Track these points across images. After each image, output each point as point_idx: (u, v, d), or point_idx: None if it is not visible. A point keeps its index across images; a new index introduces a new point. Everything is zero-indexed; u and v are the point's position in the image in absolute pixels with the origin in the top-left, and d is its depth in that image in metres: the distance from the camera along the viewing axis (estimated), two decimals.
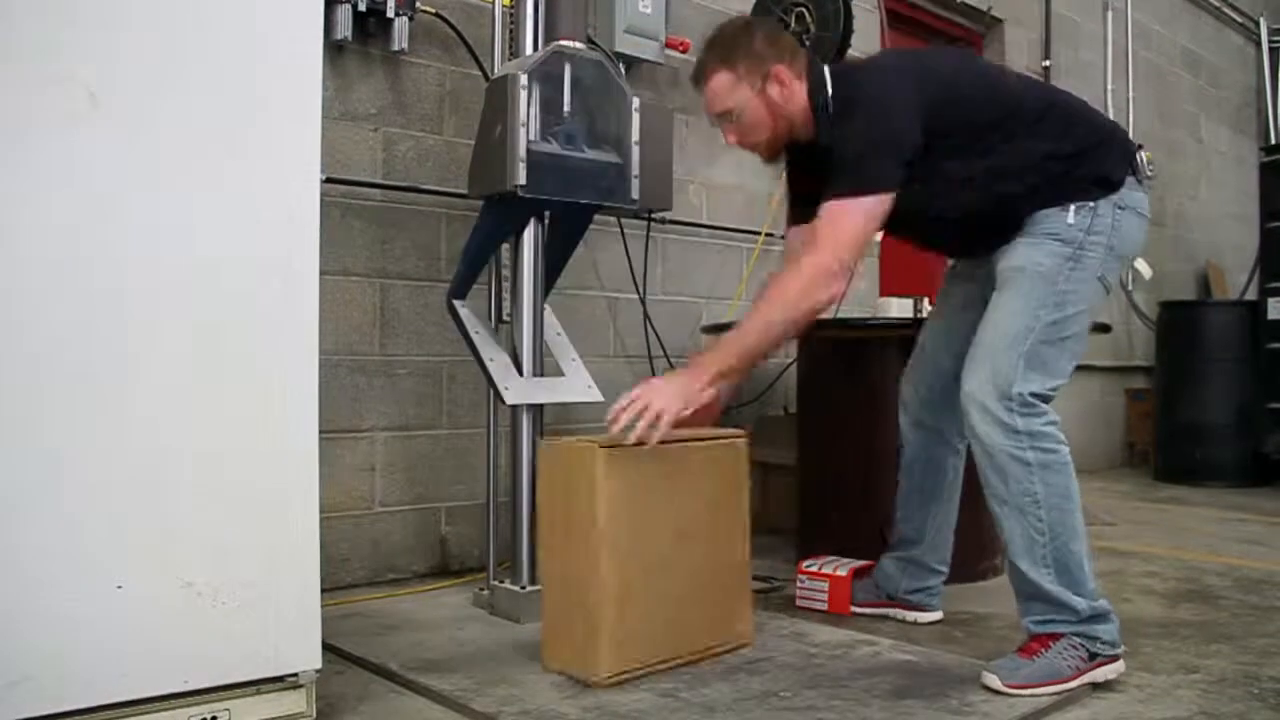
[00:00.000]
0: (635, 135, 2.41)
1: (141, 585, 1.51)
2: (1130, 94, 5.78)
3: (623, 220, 3.22)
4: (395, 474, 2.86)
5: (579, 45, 2.38)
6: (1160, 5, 6.22)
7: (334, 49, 2.69)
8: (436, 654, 2.12)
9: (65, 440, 1.46)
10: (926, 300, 3.22)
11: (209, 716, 1.58)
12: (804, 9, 3.55)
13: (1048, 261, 1.96)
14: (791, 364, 3.51)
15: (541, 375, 2.45)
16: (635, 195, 2.43)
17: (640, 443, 1.86)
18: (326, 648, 1.78)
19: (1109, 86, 5.68)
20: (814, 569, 2.54)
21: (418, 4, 2.78)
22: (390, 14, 2.72)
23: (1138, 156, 2.05)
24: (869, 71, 2.08)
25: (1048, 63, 5.26)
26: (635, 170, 2.42)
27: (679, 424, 1.91)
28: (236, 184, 1.60)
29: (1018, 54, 5.17)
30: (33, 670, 1.43)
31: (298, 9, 1.66)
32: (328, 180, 2.54)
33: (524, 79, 2.24)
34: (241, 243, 1.60)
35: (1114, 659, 1.96)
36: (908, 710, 1.81)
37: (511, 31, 2.54)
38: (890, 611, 2.45)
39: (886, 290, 4.06)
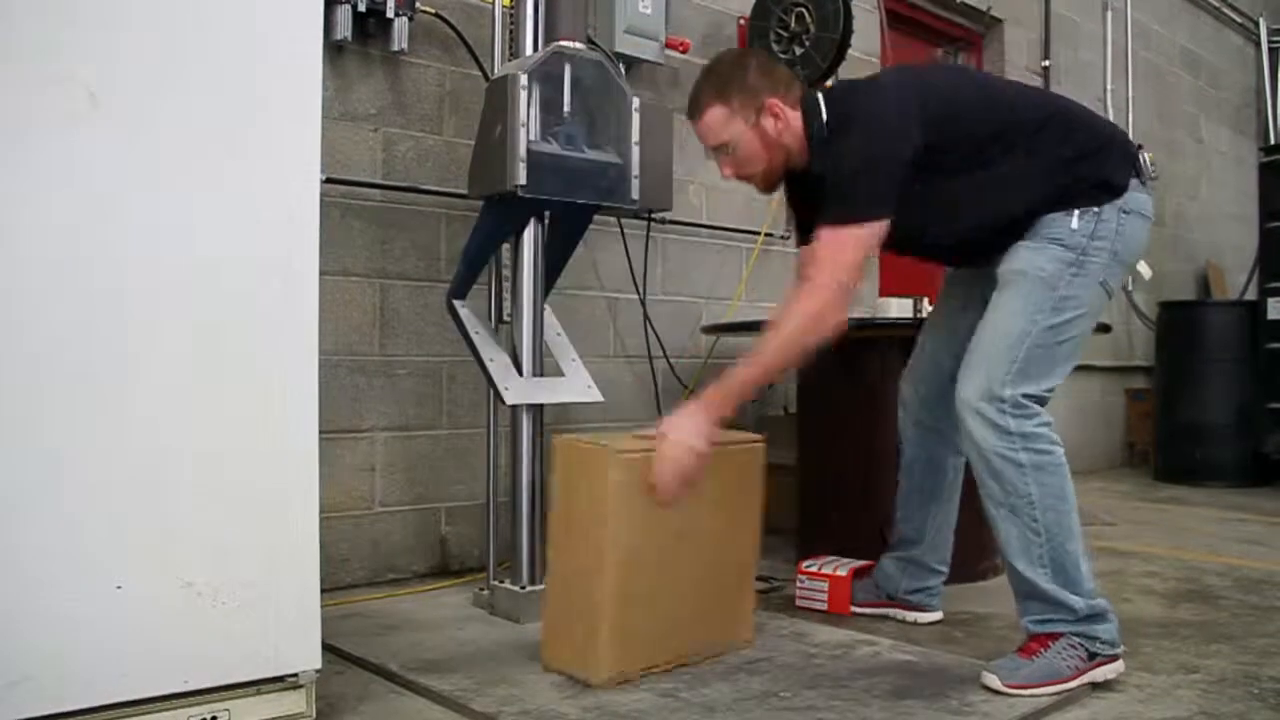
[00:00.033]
0: (635, 135, 2.41)
1: (141, 585, 1.51)
2: (1130, 94, 5.78)
3: (623, 220, 3.22)
4: (395, 474, 2.86)
5: (579, 45, 2.38)
6: (1160, 5, 6.22)
7: (334, 49, 2.69)
8: (436, 654, 2.12)
9: (65, 440, 1.46)
10: (926, 300, 3.22)
11: (209, 716, 1.58)
12: (804, 9, 3.55)
13: (1049, 266, 1.96)
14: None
15: (541, 375, 2.45)
16: (635, 195, 2.43)
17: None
18: (326, 648, 1.78)
19: (1109, 87, 5.68)
20: (814, 569, 2.54)
21: (418, 4, 2.78)
22: (390, 14, 2.72)
23: (1140, 158, 2.04)
24: (866, 91, 2.06)
25: (1047, 63, 5.27)
26: (635, 170, 2.42)
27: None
28: (236, 184, 1.60)
29: (1017, 54, 5.18)
30: (33, 670, 1.43)
31: (298, 9, 1.66)
32: (328, 180, 2.54)
33: (524, 79, 2.24)
34: (241, 243, 1.60)
35: (1113, 658, 1.96)
36: (908, 710, 1.81)
37: (511, 31, 2.54)
38: (890, 611, 2.45)
39: (886, 290, 4.06)
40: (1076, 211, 1.96)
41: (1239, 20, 6.98)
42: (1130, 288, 5.69)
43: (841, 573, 2.50)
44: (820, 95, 2.07)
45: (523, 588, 2.39)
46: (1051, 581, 1.93)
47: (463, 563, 2.95)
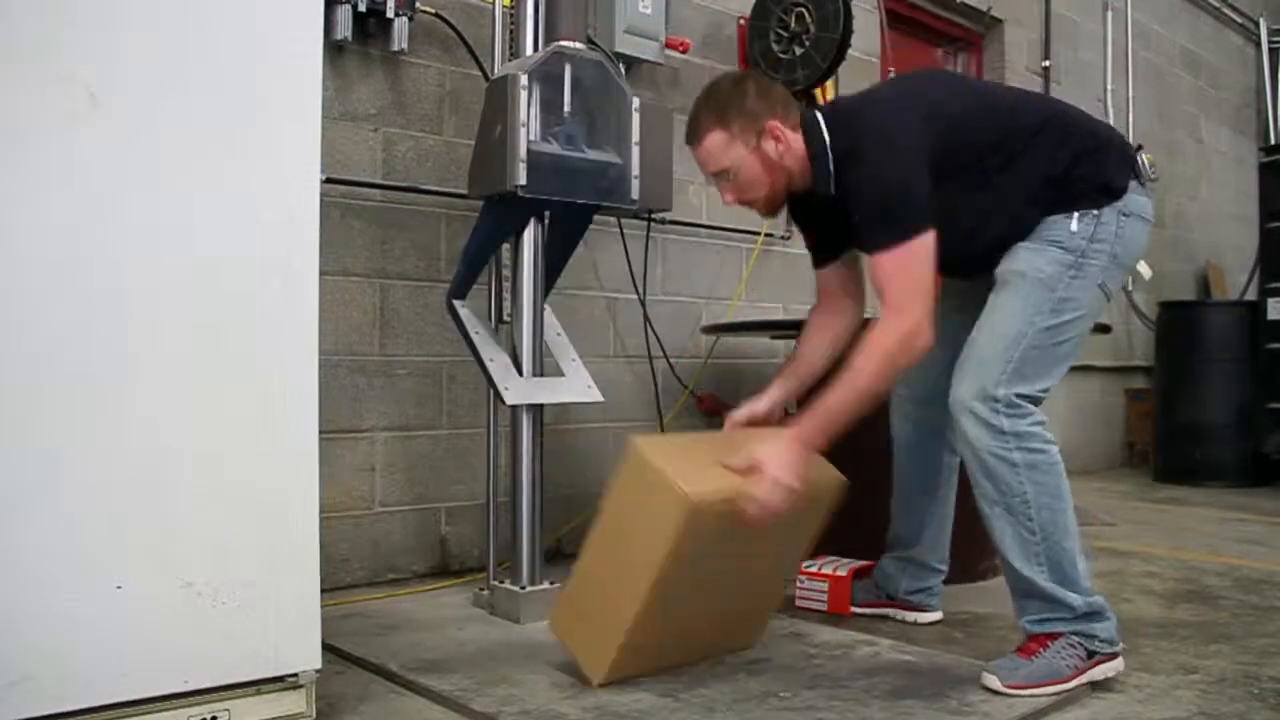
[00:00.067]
0: (635, 135, 2.41)
1: (141, 585, 1.51)
2: (1130, 94, 5.78)
3: (623, 220, 3.22)
4: (395, 474, 2.86)
5: (579, 45, 2.38)
6: (1160, 5, 6.23)
7: (334, 49, 2.69)
8: (436, 654, 2.12)
9: (65, 440, 1.46)
10: None
11: (209, 716, 1.58)
12: (804, 9, 3.56)
13: (1049, 268, 1.95)
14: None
15: (541, 375, 2.45)
16: (635, 195, 2.43)
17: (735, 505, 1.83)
18: (326, 648, 1.78)
19: (1109, 86, 5.69)
20: (814, 569, 2.54)
21: (418, 4, 2.78)
22: (390, 14, 2.72)
23: (1139, 160, 2.04)
24: (870, 112, 2.02)
25: (1047, 63, 5.27)
26: (635, 170, 2.42)
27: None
28: (236, 184, 1.60)
29: (1017, 54, 5.18)
30: (33, 670, 1.43)
31: (298, 9, 1.66)
32: (328, 180, 2.54)
33: (524, 79, 2.24)
34: (241, 243, 1.60)
35: (1112, 656, 1.96)
36: (908, 710, 1.81)
37: (511, 32, 2.54)
38: (890, 612, 2.45)
39: None
40: (1076, 214, 1.96)
41: (1239, 20, 6.98)
42: (1130, 288, 5.69)
43: (841, 573, 2.50)
44: (820, 115, 2.04)
45: (523, 588, 2.39)
46: (1049, 580, 1.93)
47: (463, 563, 2.95)
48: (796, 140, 2.03)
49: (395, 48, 2.77)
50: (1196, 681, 2.01)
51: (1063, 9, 5.39)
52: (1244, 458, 5.07)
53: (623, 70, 3.09)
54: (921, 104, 1.98)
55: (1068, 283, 1.95)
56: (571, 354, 2.56)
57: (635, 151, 2.41)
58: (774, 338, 3.77)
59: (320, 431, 1.68)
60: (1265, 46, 7.15)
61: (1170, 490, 4.96)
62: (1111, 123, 5.61)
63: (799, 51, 3.57)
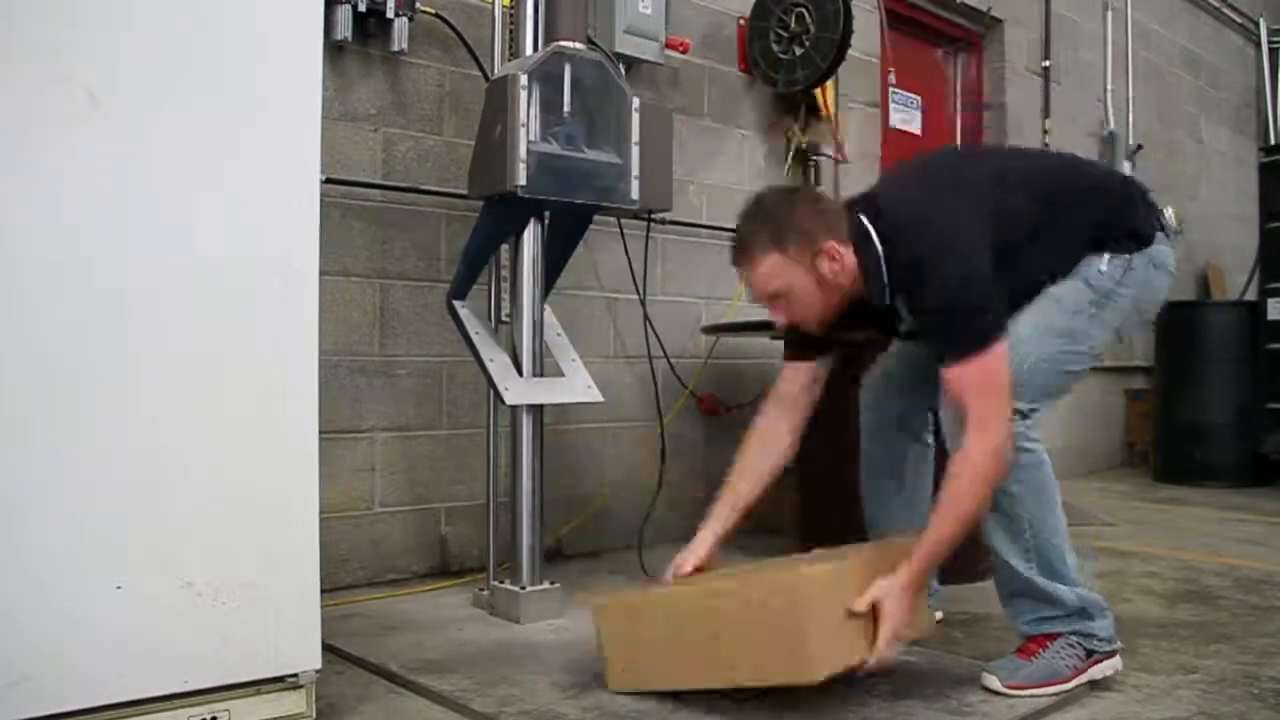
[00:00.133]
0: (635, 135, 2.41)
1: (141, 585, 1.51)
2: (1130, 94, 5.78)
3: (623, 220, 3.22)
4: (395, 474, 2.86)
5: (579, 46, 2.38)
6: (1160, 5, 6.22)
7: (334, 49, 2.69)
8: (436, 654, 2.12)
9: (65, 440, 1.46)
10: None
11: (209, 717, 1.58)
12: (804, 9, 3.56)
13: (1071, 296, 1.94)
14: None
15: (541, 375, 2.45)
16: (635, 195, 2.43)
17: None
18: (326, 648, 1.78)
19: (1109, 86, 5.69)
20: None
21: (418, 4, 2.78)
22: (390, 14, 2.72)
23: (1163, 213, 2.04)
24: (928, 218, 1.91)
25: (1047, 63, 5.27)
26: (635, 170, 2.42)
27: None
28: (236, 184, 1.60)
29: (1017, 54, 5.18)
30: (33, 670, 1.43)
31: (298, 9, 1.66)
32: (328, 180, 2.54)
33: (524, 79, 2.24)
34: (241, 243, 1.60)
35: (1111, 655, 1.96)
36: (908, 710, 1.81)
37: (511, 32, 2.54)
38: None
39: None
40: (1107, 255, 1.95)
41: (1239, 20, 6.98)
42: None
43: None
44: (868, 224, 1.93)
45: (523, 588, 2.39)
46: (1039, 575, 1.93)
47: (463, 563, 2.95)
48: (850, 256, 1.92)
49: (395, 48, 2.77)
50: (1196, 681, 2.01)
51: (1063, 9, 5.39)
52: (1244, 458, 5.06)
53: (623, 70, 3.09)
54: (970, 200, 1.93)
55: (1088, 317, 1.95)
56: (571, 354, 2.56)
57: (635, 152, 2.41)
58: (774, 338, 3.76)
59: (320, 431, 1.68)
60: (1265, 46, 7.15)
61: (1170, 490, 4.96)
62: (1111, 123, 5.63)
63: (799, 51, 3.58)
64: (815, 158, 3.92)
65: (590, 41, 2.67)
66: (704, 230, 3.63)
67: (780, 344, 3.80)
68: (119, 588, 1.50)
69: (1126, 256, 1.95)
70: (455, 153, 2.92)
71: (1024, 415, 1.93)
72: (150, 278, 1.52)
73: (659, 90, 3.47)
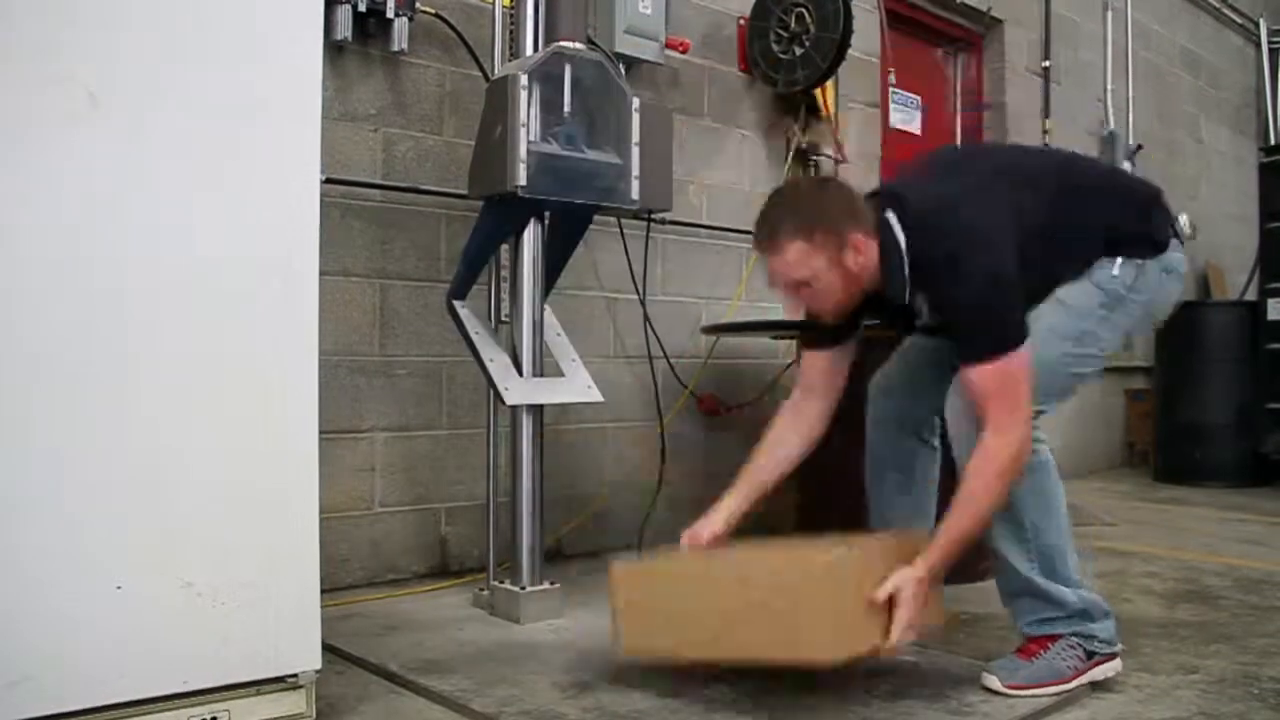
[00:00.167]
0: (635, 135, 2.41)
1: (141, 585, 1.51)
2: (1130, 94, 5.78)
3: (623, 220, 3.22)
4: (395, 474, 2.86)
5: (579, 46, 2.38)
6: (1160, 5, 6.22)
7: (334, 49, 2.69)
8: (436, 654, 2.12)
9: (65, 440, 1.46)
10: None
11: (209, 717, 1.58)
12: (804, 9, 3.56)
13: (1082, 300, 1.94)
14: (791, 365, 3.51)
15: (541, 375, 2.45)
16: (635, 195, 2.43)
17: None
18: (326, 648, 1.78)
19: (1109, 86, 5.68)
20: None
21: (418, 4, 2.78)
22: (390, 14, 2.72)
23: (1178, 220, 2.04)
24: (955, 215, 1.90)
25: (1047, 63, 5.26)
26: (635, 170, 2.42)
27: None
28: (236, 184, 1.60)
29: (1017, 54, 5.18)
30: (33, 670, 1.43)
31: (298, 9, 1.66)
32: (328, 180, 2.54)
33: (524, 79, 2.24)
34: (241, 243, 1.60)
35: (1112, 657, 1.96)
36: (908, 710, 1.81)
37: (511, 32, 2.54)
38: None
39: None
40: (1120, 260, 1.94)
41: (1239, 20, 6.98)
42: None
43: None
44: (892, 218, 1.92)
45: (523, 588, 2.39)
46: (1041, 575, 1.93)
47: (463, 563, 2.95)
48: (873, 249, 1.91)
49: (395, 48, 2.77)
50: (1196, 681, 2.01)
51: (1063, 9, 5.39)
52: (1244, 458, 5.06)
53: (623, 70, 3.09)
54: (997, 198, 1.92)
55: (1098, 320, 1.94)
56: (571, 354, 2.56)
57: (635, 152, 2.41)
58: (774, 338, 3.77)
59: (320, 431, 1.68)
60: (1265, 46, 7.15)
61: (1170, 490, 4.96)
62: (1111, 123, 5.63)
63: (799, 51, 3.58)
64: (815, 158, 3.92)
65: (590, 41, 2.67)
66: (704, 230, 3.63)
67: (780, 344, 3.82)
68: (119, 588, 1.50)
69: (1139, 261, 1.95)
70: (455, 153, 2.92)
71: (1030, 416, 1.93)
72: (150, 278, 1.52)
73: (659, 90, 3.47)
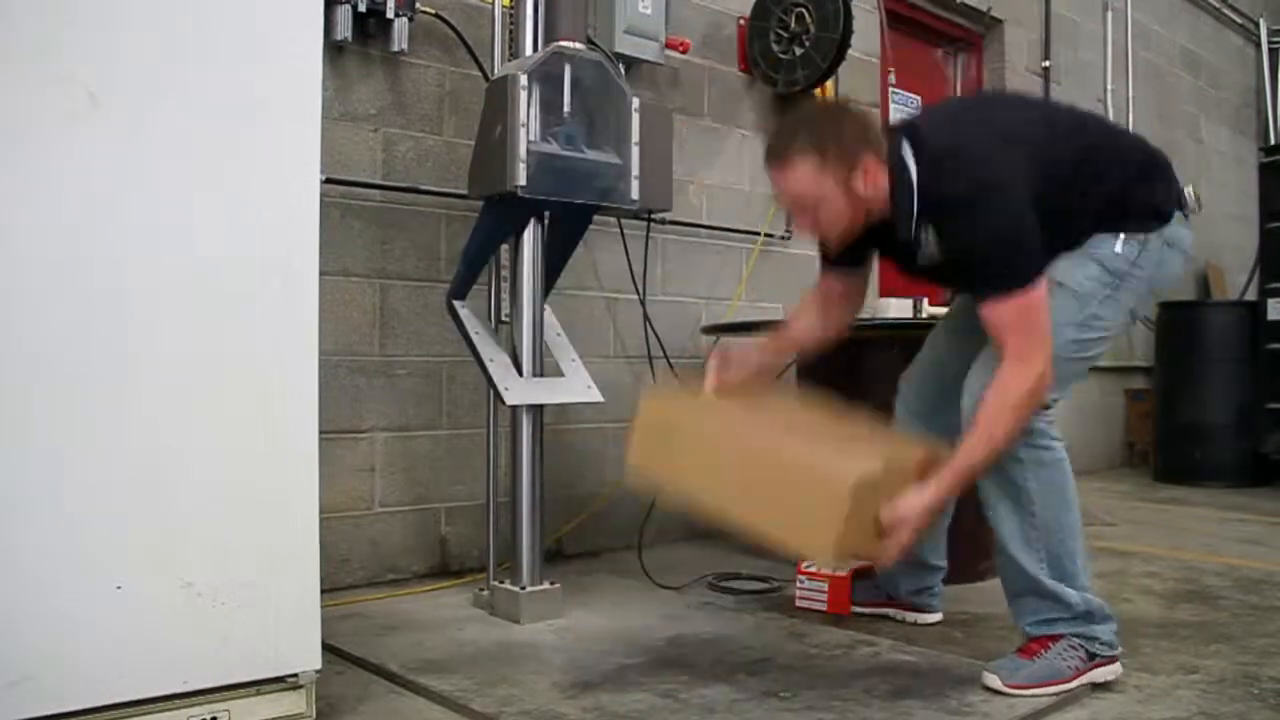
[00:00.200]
0: (635, 135, 2.41)
1: (141, 585, 1.51)
2: (1130, 94, 5.78)
3: (623, 220, 3.22)
4: (395, 474, 2.86)
5: (579, 46, 2.38)
6: (1160, 5, 6.23)
7: (334, 49, 2.69)
8: (436, 654, 2.12)
9: (65, 440, 1.46)
10: (926, 301, 3.22)
11: (209, 717, 1.58)
12: (804, 9, 3.56)
13: (1087, 284, 1.94)
14: (791, 365, 3.51)
15: (541, 375, 2.45)
16: (635, 195, 2.43)
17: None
18: (326, 648, 1.78)
19: (1109, 87, 5.68)
20: (813, 569, 2.54)
21: (417, 4, 2.78)
22: (390, 14, 2.72)
23: (1185, 192, 2.03)
24: (971, 152, 1.89)
25: (1047, 63, 5.27)
26: (635, 170, 2.42)
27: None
28: (236, 184, 1.60)
29: (1017, 54, 5.18)
30: (33, 670, 1.43)
31: (298, 9, 1.66)
32: (328, 180, 2.54)
33: (524, 79, 2.24)
34: (241, 243, 1.60)
35: (1112, 659, 1.96)
36: (907, 710, 1.81)
37: (511, 32, 2.54)
38: (890, 612, 2.45)
39: (886, 290, 4.06)
40: (1123, 236, 1.94)
41: (1239, 20, 6.98)
42: None
43: (841, 573, 2.50)
44: (907, 151, 1.91)
45: (523, 588, 2.39)
46: (1049, 576, 1.93)
47: (463, 563, 2.95)
48: (884, 177, 1.90)
49: (395, 48, 2.77)
50: (1196, 681, 2.01)
51: (1063, 9, 5.39)
52: (1244, 458, 5.06)
53: (622, 70, 3.09)
54: (1011, 135, 1.91)
55: (1101, 300, 1.94)
56: (571, 354, 2.56)
57: (635, 152, 2.41)
58: None
59: (320, 431, 1.68)
60: (1265, 46, 7.15)
61: (1170, 490, 4.96)
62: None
63: (799, 51, 3.58)
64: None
65: (590, 41, 2.67)
66: (704, 230, 3.63)
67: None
68: (119, 588, 1.50)
69: (1142, 237, 1.95)
70: (455, 153, 2.92)
71: (1045, 406, 1.93)
72: (150, 278, 1.52)
73: (659, 90, 3.47)
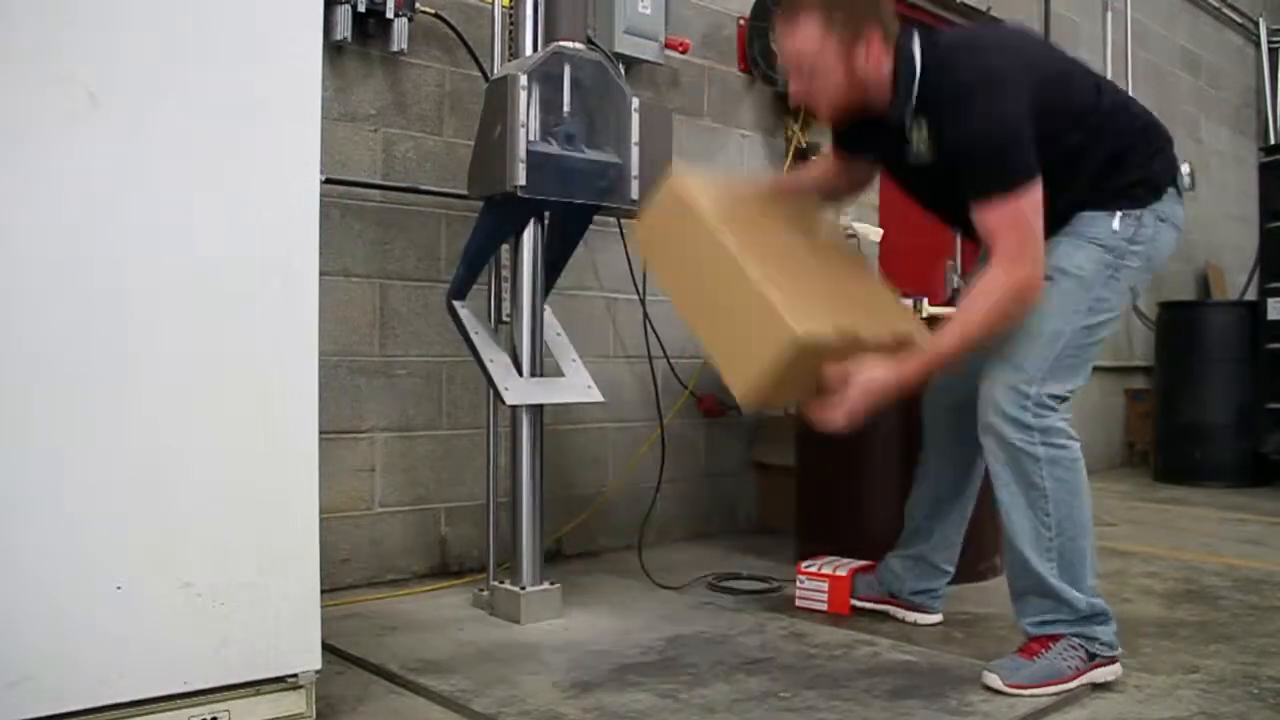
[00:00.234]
0: (635, 135, 2.41)
1: (141, 585, 1.51)
2: (1130, 94, 5.77)
3: (623, 220, 3.22)
4: (395, 474, 2.86)
5: (579, 46, 2.38)
6: (1160, 6, 6.22)
7: (334, 49, 2.69)
8: (436, 654, 2.12)
9: (65, 440, 1.46)
10: (926, 300, 3.21)
11: (209, 717, 1.58)
12: None
13: (1089, 267, 1.94)
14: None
15: (541, 375, 2.45)
16: (635, 195, 2.43)
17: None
18: (326, 648, 1.78)
19: None
20: (813, 569, 2.54)
21: (417, 4, 2.78)
22: (390, 15, 2.71)
23: (1180, 168, 2.04)
24: (976, 52, 1.91)
25: None
26: (635, 170, 2.42)
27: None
28: (236, 184, 1.60)
29: None
30: (33, 670, 1.43)
31: (298, 9, 1.66)
32: (328, 180, 2.54)
33: (524, 79, 2.24)
34: (241, 243, 1.60)
35: (1112, 660, 1.96)
36: (908, 710, 1.81)
37: (511, 32, 2.54)
38: (890, 610, 2.45)
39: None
40: (1119, 213, 1.94)
41: (1239, 20, 6.98)
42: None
43: (841, 573, 2.50)
44: (916, 42, 1.91)
45: (523, 588, 2.39)
46: (1058, 576, 1.93)
47: (463, 563, 2.95)
48: (887, 61, 1.90)
49: (395, 48, 2.77)
50: (1197, 681, 2.01)
51: (1063, 9, 5.39)
52: (1244, 458, 5.06)
53: (622, 70, 3.09)
54: (1023, 53, 1.93)
55: (1105, 282, 1.95)
56: (571, 354, 2.56)
57: (635, 151, 2.41)
58: None
59: (320, 432, 1.68)
60: (1265, 46, 7.15)
61: (1170, 490, 4.96)
62: None
63: None
64: (815, 158, 3.92)
65: (590, 41, 2.67)
66: None
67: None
68: (119, 588, 1.50)
69: (1137, 213, 1.95)
70: (455, 153, 2.92)
71: (1061, 399, 1.93)
72: (150, 278, 1.52)
73: (659, 90, 3.47)
